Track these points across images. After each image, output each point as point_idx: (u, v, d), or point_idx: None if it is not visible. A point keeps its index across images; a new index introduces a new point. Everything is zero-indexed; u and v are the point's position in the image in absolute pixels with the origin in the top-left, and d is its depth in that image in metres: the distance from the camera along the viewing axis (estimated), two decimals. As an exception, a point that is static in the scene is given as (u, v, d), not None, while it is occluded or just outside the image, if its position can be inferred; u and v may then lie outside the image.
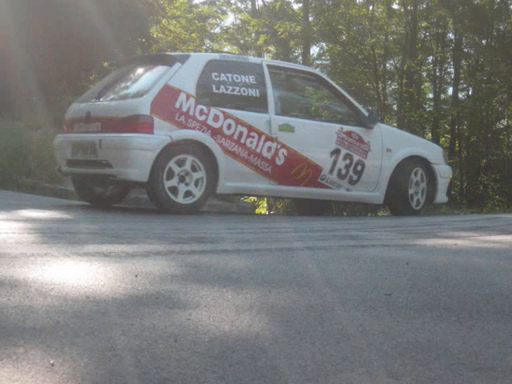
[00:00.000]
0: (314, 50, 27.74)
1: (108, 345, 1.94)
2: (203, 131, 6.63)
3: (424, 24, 22.24)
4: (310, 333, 2.17)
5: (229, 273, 3.11)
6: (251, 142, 6.88)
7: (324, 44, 25.62)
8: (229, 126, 6.76)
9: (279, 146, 7.03)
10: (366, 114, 7.72)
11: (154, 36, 17.64)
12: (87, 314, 2.25)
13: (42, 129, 10.53)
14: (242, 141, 6.83)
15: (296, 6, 27.02)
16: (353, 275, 3.20)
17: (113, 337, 2.02)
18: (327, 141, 7.37)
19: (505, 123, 22.38)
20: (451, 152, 21.21)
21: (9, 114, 11.36)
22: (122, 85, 7.23)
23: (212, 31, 31.69)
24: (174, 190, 6.51)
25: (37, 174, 9.15)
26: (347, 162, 7.46)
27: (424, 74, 23.84)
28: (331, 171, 7.38)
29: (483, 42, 21.17)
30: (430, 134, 23.32)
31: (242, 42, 30.16)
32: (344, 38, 22.19)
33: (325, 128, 7.51)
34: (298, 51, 27.62)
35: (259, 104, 7.07)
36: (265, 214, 14.16)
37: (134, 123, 6.39)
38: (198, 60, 6.99)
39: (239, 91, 6.97)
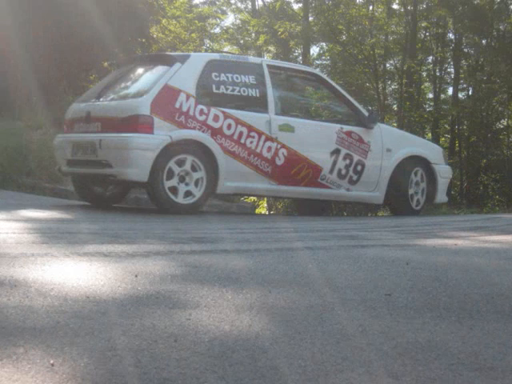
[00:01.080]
0: (314, 50, 27.77)
1: (108, 345, 1.94)
2: (203, 131, 6.63)
3: (424, 24, 22.23)
4: (309, 333, 2.17)
5: (229, 273, 3.11)
6: (251, 142, 6.88)
7: (324, 44, 25.63)
8: (229, 126, 6.76)
9: (279, 145, 7.03)
10: (366, 114, 7.72)
11: (154, 36, 17.63)
12: (87, 314, 2.25)
13: (42, 129, 10.53)
14: (242, 141, 6.83)
15: (296, 6, 27.04)
16: (353, 275, 3.20)
17: (113, 337, 2.02)
18: (327, 141, 7.37)
19: (505, 123, 22.38)
20: (451, 152, 21.21)
21: (9, 114, 11.36)
22: (122, 85, 7.23)
23: (212, 31, 31.70)
24: (174, 190, 6.51)
25: (37, 174, 9.15)
26: (347, 161, 7.46)
27: (424, 73, 23.84)
28: (331, 171, 7.38)
29: (483, 41, 21.17)
30: (430, 134, 23.32)
31: (241, 42, 30.15)
32: (344, 37, 22.19)
33: (325, 128, 7.51)
34: (298, 51, 27.61)
35: (259, 104, 7.07)
36: (265, 214, 14.17)
37: (134, 123, 6.39)
38: (197, 60, 6.99)
39: (239, 91, 6.97)
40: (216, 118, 6.71)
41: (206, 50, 27.85)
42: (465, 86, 23.15)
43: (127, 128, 6.41)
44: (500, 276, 3.32)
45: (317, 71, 9.72)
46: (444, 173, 8.21)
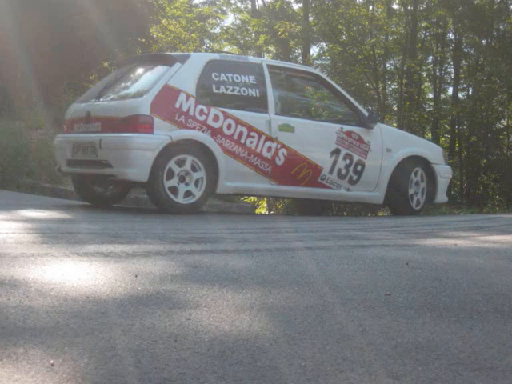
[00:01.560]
0: (314, 50, 27.76)
1: (108, 345, 1.94)
2: (203, 131, 6.63)
3: (424, 24, 22.23)
4: (310, 333, 2.17)
5: (229, 273, 3.11)
6: (251, 142, 6.88)
7: (324, 44, 25.62)
8: (229, 126, 6.76)
9: (279, 145, 7.03)
10: (366, 114, 7.72)
11: (154, 36, 17.64)
12: (87, 314, 2.25)
13: (42, 129, 10.54)
14: (242, 141, 6.83)
15: (296, 6, 27.04)
16: (353, 275, 3.20)
17: (113, 337, 2.02)
18: (327, 141, 7.37)
19: (505, 123, 22.37)
20: (451, 152, 21.20)
21: (9, 114, 11.37)
22: (122, 85, 7.23)
23: (212, 31, 31.73)
24: (174, 190, 6.51)
25: (37, 174, 9.15)
26: (347, 161, 7.46)
27: (424, 73, 23.82)
28: (331, 171, 7.38)
29: (483, 41, 21.15)
30: (430, 134, 23.31)
31: (241, 42, 30.16)
32: (344, 37, 22.18)
33: (325, 128, 7.51)
34: (298, 51, 27.60)
35: (259, 104, 7.07)
36: (265, 214, 14.17)
37: (134, 123, 6.39)
38: (198, 60, 6.99)
39: (239, 91, 6.97)
40: (216, 118, 6.71)
41: (206, 50, 27.88)
42: (465, 86, 23.14)
43: (127, 128, 6.41)
44: (500, 276, 3.32)
45: (317, 71, 9.73)
46: (444, 173, 8.21)
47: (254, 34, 28.02)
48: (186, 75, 6.71)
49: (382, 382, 1.77)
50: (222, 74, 6.91)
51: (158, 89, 6.52)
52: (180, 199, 6.53)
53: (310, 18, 24.75)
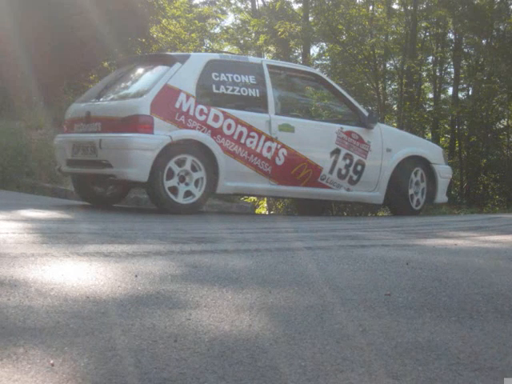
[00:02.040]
0: (314, 50, 27.76)
1: (108, 345, 1.94)
2: (203, 131, 6.63)
3: (424, 24, 22.23)
4: (310, 333, 2.17)
5: (229, 273, 3.11)
6: (251, 142, 6.88)
7: (324, 44, 25.62)
8: (229, 126, 6.76)
9: (279, 145, 7.03)
10: (366, 114, 7.72)
11: (154, 36, 17.64)
12: (87, 314, 2.25)
13: (42, 129, 10.54)
14: (242, 141, 6.83)
15: (296, 6, 27.03)
16: (353, 275, 3.20)
17: (113, 337, 2.02)
18: (327, 141, 7.37)
19: (505, 123, 22.37)
20: (451, 152, 21.20)
21: (9, 114, 11.38)
22: (122, 85, 7.23)
23: (212, 31, 31.74)
24: (174, 190, 6.51)
25: (37, 174, 9.15)
26: (347, 161, 7.46)
27: (424, 73, 23.82)
28: (331, 171, 7.38)
29: (483, 41, 21.15)
30: (430, 134, 23.31)
31: (241, 42, 30.16)
32: (344, 37, 22.18)
33: (325, 128, 7.51)
34: (298, 51, 27.61)
35: (259, 104, 7.07)
36: (265, 214, 14.17)
37: (134, 123, 6.39)
38: (197, 60, 6.99)
39: (239, 91, 6.97)
40: (216, 118, 6.71)
41: (206, 50, 27.87)
42: (465, 86, 23.14)
43: (127, 128, 6.41)
44: (500, 276, 3.32)
45: (317, 71, 9.72)
46: (444, 173, 8.21)
47: (253, 34, 28.03)
48: (186, 75, 6.71)
49: (382, 382, 1.77)
50: (222, 74, 6.91)
51: (157, 89, 6.52)
52: (180, 199, 6.53)
53: (310, 18, 24.75)
